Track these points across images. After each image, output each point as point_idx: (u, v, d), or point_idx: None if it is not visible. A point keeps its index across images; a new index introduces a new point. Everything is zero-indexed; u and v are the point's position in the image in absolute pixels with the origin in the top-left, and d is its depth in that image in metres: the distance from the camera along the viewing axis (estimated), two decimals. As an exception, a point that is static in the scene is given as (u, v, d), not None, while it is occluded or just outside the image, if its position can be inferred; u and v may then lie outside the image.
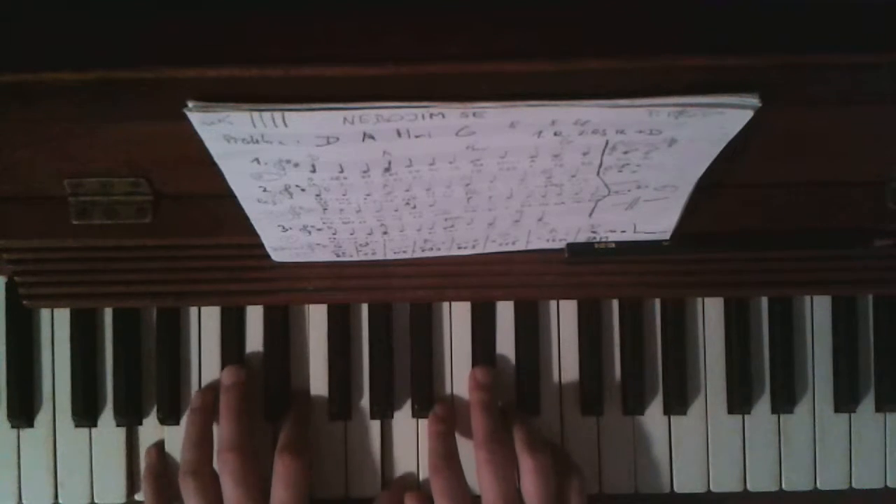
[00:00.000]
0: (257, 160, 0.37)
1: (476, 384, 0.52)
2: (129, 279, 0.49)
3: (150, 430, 0.54)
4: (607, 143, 0.38)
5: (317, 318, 0.54)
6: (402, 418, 0.54)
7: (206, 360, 0.54)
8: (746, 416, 0.54)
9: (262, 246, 0.46)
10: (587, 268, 0.50)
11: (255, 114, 0.34)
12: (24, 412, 0.53)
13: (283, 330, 0.54)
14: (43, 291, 0.50)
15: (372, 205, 0.42)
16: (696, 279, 0.50)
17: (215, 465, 0.50)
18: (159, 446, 0.53)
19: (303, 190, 0.40)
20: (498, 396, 0.53)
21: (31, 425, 0.54)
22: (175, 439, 0.53)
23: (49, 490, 0.53)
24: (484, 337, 0.54)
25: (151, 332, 0.54)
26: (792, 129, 0.42)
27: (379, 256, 0.48)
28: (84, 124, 0.40)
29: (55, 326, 0.54)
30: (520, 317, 0.54)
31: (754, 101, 0.35)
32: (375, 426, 0.54)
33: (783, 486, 0.54)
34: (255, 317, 0.54)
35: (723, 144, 0.38)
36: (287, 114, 0.34)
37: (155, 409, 0.54)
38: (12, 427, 0.54)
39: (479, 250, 0.49)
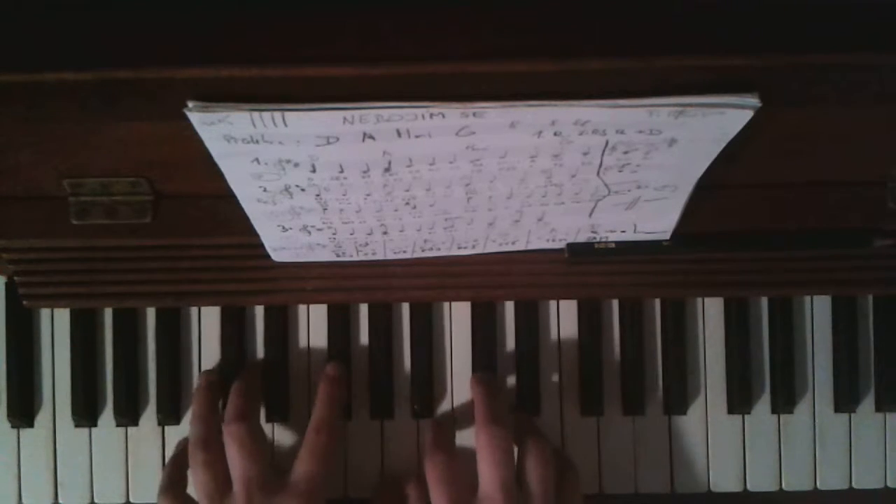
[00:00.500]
0: (257, 160, 0.37)
1: (479, 377, 0.53)
2: (129, 279, 0.49)
3: (150, 430, 0.54)
4: (607, 143, 0.38)
5: (317, 318, 0.54)
6: (402, 418, 0.54)
7: (206, 361, 0.54)
8: (746, 416, 0.54)
9: (262, 246, 0.46)
10: (587, 268, 0.50)
11: (255, 114, 0.34)
12: (24, 412, 0.53)
13: (282, 330, 0.54)
14: (43, 291, 0.50)
15: (372, 205, 0.42)
16: (696, 279, 0.50)
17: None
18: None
19: (303, 190, 0.40)
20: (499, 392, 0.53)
21: (31, 425, 0.54)
22: (175, 440, 0.53)
23: (49, 490, 0.53)
24: (484, 337, 0.54)
25: (151, 332, 0.54)
26: (792, 129, 0.42)
27: (379, 256, 0.48)
28: (84, 124, 0.40)
29: (55, 326, 0.54)
30: (520, 317, 0.54)
31: (754, 101, 0.35)
32: (375, 426, 0.54)
33: (783, 486, 0.54)
34: (255, 317, 0.54)
35: (723, 144, 0.38)
36: (287, 114, 0.34)
37: (155, 410, 0.54)
38: (12, 427, 0.54)
39: (479, 250, 0.49)
